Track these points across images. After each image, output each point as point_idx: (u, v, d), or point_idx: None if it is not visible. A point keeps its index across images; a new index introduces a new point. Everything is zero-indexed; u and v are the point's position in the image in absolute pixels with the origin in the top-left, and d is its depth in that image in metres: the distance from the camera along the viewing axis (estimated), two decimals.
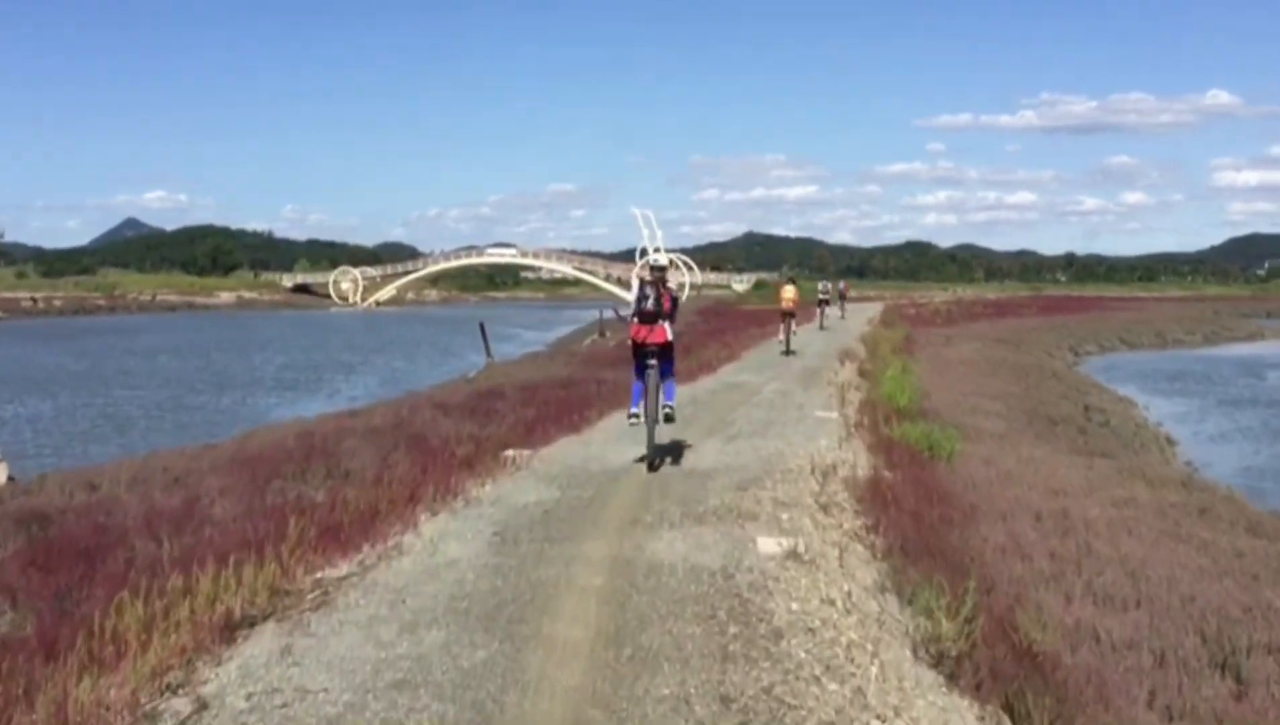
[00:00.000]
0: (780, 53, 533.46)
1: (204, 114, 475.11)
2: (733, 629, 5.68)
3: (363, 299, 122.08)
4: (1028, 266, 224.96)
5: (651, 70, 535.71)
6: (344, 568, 6.92)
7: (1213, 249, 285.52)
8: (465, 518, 8.44)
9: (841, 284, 41.80)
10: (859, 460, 11.63)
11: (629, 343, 10.63)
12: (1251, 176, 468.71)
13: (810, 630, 5.73)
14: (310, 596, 6.31)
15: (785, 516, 8.29)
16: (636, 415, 10.43)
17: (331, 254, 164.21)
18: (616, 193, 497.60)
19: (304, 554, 6.84)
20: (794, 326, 26.31)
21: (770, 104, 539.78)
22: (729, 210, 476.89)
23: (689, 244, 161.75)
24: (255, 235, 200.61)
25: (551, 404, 17.57)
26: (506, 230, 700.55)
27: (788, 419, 13.98)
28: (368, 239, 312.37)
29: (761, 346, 28.54)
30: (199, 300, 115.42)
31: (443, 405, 18.89)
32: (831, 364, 22.98)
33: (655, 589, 6.41)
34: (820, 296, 36.47)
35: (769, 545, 7.34)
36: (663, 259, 10.97)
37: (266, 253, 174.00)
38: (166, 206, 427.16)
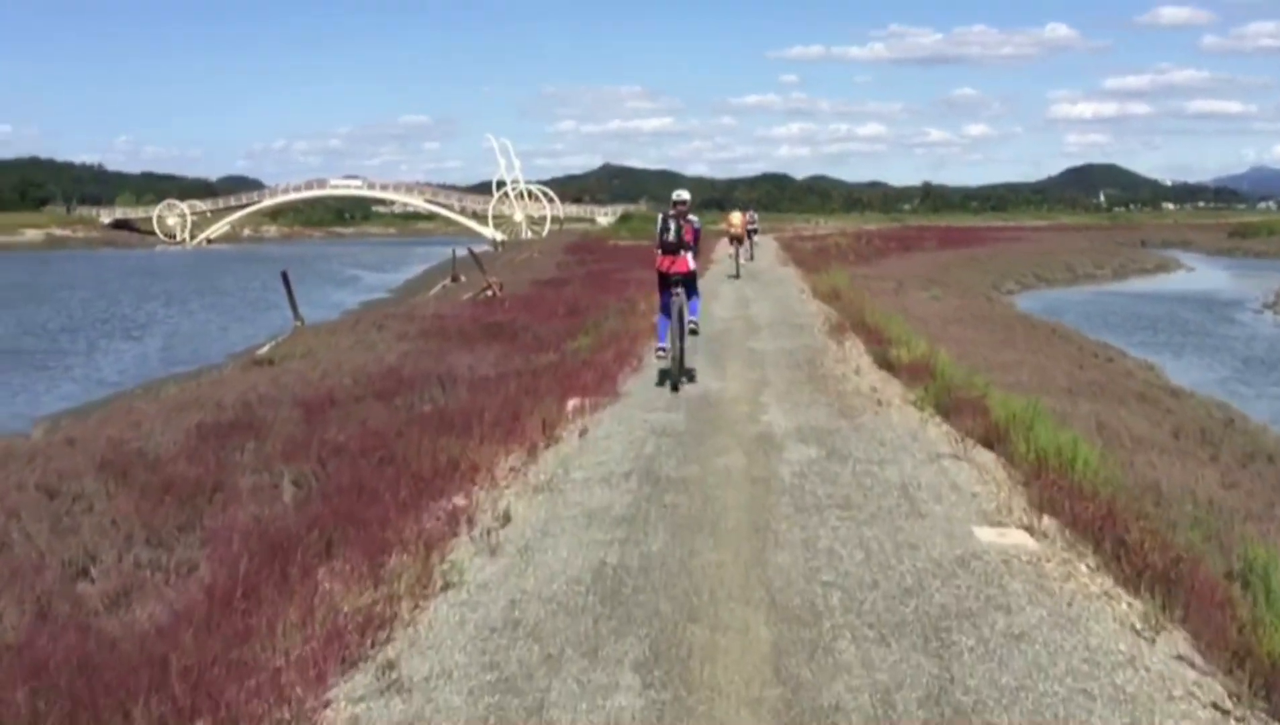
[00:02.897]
0: None
1: (24, 33, 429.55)
2: None
3: (192, 236, 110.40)
4: (886, 196, 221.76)
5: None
6: None
7: (1050, 180, 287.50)
8: None
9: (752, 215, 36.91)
10: None
11: (656, 272, 11.47)
12: (1086, 109, 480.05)
13: None
14: None
15: None
16: (665, 349, 11.22)
17: (166, 187, 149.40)
18: (470, 124, 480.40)
19: None
20: (739, 251, 29.43)
21: (622, 34, 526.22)
22: (585, 142, 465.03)
23: (545, 177, 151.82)
24: (84, 168, 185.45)
25: (344, 471, 8.46)
26: (357, 163, 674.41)
27: (960, 586, 5.22)
28: (209, 172, 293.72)
29: None
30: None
31: (130, 467, 9.51)
32: (820, 340, 14.44)
33: None
34: (749, 226, 35.11)
35: None
36: (685, 194, 11.36)
37: (96, 187, 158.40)
38: None
